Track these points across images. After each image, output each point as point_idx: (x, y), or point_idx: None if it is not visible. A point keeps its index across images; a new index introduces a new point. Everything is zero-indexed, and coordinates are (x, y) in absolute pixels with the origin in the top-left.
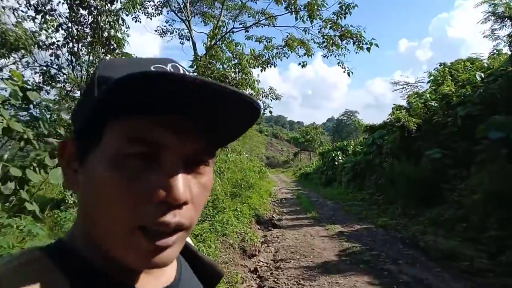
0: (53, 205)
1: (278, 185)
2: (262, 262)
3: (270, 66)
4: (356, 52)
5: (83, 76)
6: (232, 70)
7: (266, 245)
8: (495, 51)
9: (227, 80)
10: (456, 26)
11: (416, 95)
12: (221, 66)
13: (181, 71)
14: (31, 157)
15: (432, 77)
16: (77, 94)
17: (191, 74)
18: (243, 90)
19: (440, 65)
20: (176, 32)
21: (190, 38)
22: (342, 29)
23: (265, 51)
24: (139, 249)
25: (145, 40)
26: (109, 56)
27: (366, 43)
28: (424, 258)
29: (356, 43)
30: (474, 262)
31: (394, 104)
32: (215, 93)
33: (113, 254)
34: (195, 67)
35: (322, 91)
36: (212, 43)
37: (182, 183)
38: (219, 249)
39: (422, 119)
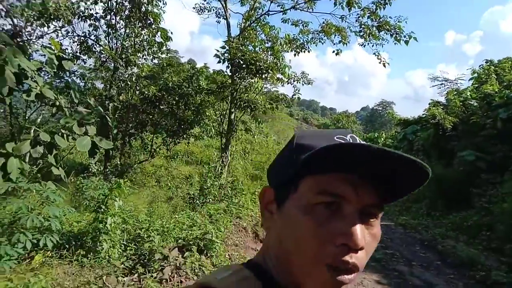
0: (78, 171)
1: None
2: None
3: (304, 51)
4: (394, 43)
5: (118, 48)
6: (264, 53)
7: None
8: None
9: (257, 63)
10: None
11: (455, 92)
12: (253, 49)
13: (358, 141)
14: (61, 124)
15: (475, 75)
16: (112, 65)
17: (367, 143)
18: (406, 155)
19: (486, 62)
20: (213, 10)
21: (225, 18)
22: (380, 19)
23: (300, 35)
24: (323, 280)
25: (183, 16)
26: (145, 30)
27: (405, 36)
28: (441, 263)
29: (394, 36)
30: (491, 273)
31: (431, 100)
32: (392, 159)
33: (299, 281)
34: (226, 48)
35: (359, 79)
36: (247, 24)
37: (360, 231)
38: (231, 231)
39: (459, 118)
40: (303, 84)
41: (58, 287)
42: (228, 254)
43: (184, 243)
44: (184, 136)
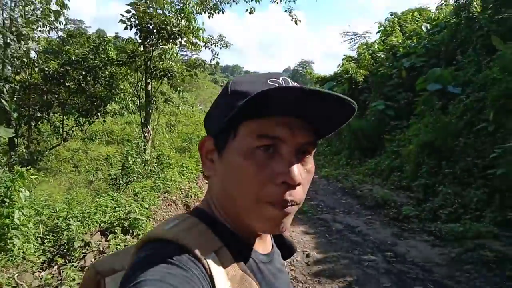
0: None
1: None
2: None
3: (218, 12)
4: None
5: (5, 20)
6: (175, 16)
7: None
8: (443, 1)
9: (168, 27)
10: None
11: (365, 46)
12: (162, 12)
13: (290, 83)
14: None
15: (381, 28)
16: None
17: (299, 85)
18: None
19: (391, 15)
20: None
21: None
22: None
23: None
24: (270, 217)
25: None
26: None
27: None
28: (359, 206)
29: None
30: (402, 209)
31: (344, 55)
32: (320, 98)
33: (246, 222)
34: (132, 12)
35: (278, 40)
36: None
37: (296, 168)
38: (160, 207)
39: (369, 71)
40: (220, 48)
41: None
42: None
43: (107, 226)
44: (98, 114)
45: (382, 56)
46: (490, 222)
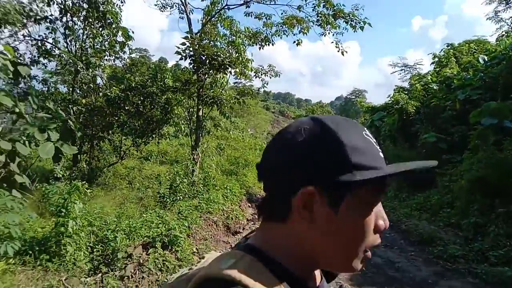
0: (47, 178)
1: None
2: None
3: (268, 44)
4: (354, 31)
5: (78, 50)
6: (226, 48)
7: (252, 222)
8: (503, 33)
9: (219, 58)
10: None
11: (417, 77)
12: (213, 44)
13: (372, 139)
14: (21, 131)
15: (436, 59)
16: (73, 68)
17: (414, 166)
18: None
19: (447, 46)
20: (176, 6)
21: (185, 13)
22: (335, 7)
23: (265, 28)
24: (363, 261)
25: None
26: (106, 30)
27: (359, 22)
28: (403, 241)
29: (349, 23)
30: (448, 247)
31: (395, 86)
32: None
33: (333, 267)
34: (187, 44)
35: (331, 69)
36: (208, 19)
37: None
38: (201, 226)
39: (421, 102)
40: (270, 77)
41: None
42: (196, 248)
43: (149, 240)
44: (153, 136)
45: (435, 87)
46: None
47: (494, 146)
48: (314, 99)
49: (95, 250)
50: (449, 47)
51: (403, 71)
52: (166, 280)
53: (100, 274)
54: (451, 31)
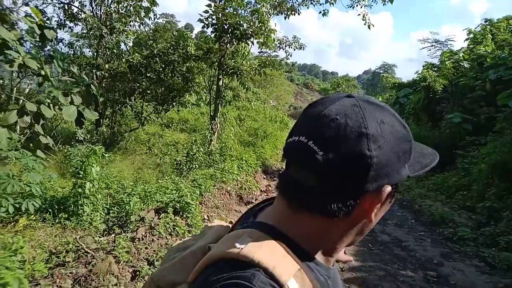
0: (67, 140)
1: None
2: None
3: (294, 14)
4: (383, 4)
5: (103, 15)
6: (250, 17)
7: (266, 193)
8: None
9: (241, 27)
10: None
11: (448, 54)
12: (240, 11)
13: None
14: (46, 94)
15: (471, 35)
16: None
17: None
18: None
19: (485, 21)
20: None
21: None
22: None
23: None
24: None
25: None
26: None
27: None
28: (414, 221)
29: None
30: (458, 229)
31: (425, 62)
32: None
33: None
34: (209, 12)
35: (362, 41)
36: None
37: None
38: (214, 195)
39: (450, 80)
40: (294, 49)
41: (38, 247)
42: (207, 215)
43: (162, 205)
44: (173, 104)
45: (466, 65)
46: None
47: None
48: (341, 72)
49: (111, 212)
50: (486, 23)
51: (433, 47)
52: (171, 247)
53: (113, 235)
54: (493, 5)
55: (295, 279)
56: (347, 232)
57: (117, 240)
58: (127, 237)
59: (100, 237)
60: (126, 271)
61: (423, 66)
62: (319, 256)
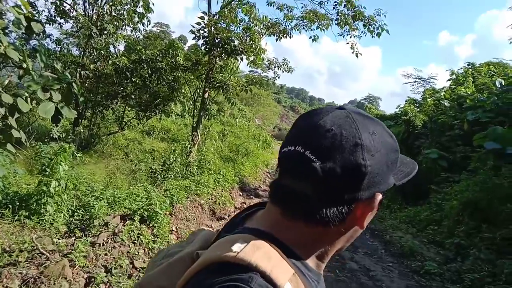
0: (43, 137)
1: None
2: None
3: (286, 37)
4: (372, 36)
5: (94, 15)
6: (242, 34)
7: (239, 211)
8: None
9: (232, 43)
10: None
11: (431, 91)
12: (228, 28)
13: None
14: (25, 88)
15: (453, 76)
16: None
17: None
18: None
19: (468, 65)
20: None
21: None
22: (355, 9)
23: (285, 20)
24: None
25: None
26: None
27: (377, 28)
28: (384, 251)
29: (367, 27)
30: (426, 264)
31: (408, 97)
32: None
33: (334, 252)
34: (202, 24)
35: (350, 71)
36: (227, 2)
37: None
38: (185, 206)
39: (430, 117)
40: (283, 71)
41: None
42: (176, 227)
43: (130, 212)
44: (156, 111)
45: (447, 104)
46: None
47: (493, 171)
48: (328, 99)
49: (75, 214)
50: (469, 66)
51: (416, 83)
52: (156, 254)
53: (73, 238)
54: (478, 51)
55: (290, 283)
56: (339, 238)
57: (76, 244)
58: (87, 241)
59: (59, 239)
60: (80, 276)
61: (405, 101)
62: (311, 262)
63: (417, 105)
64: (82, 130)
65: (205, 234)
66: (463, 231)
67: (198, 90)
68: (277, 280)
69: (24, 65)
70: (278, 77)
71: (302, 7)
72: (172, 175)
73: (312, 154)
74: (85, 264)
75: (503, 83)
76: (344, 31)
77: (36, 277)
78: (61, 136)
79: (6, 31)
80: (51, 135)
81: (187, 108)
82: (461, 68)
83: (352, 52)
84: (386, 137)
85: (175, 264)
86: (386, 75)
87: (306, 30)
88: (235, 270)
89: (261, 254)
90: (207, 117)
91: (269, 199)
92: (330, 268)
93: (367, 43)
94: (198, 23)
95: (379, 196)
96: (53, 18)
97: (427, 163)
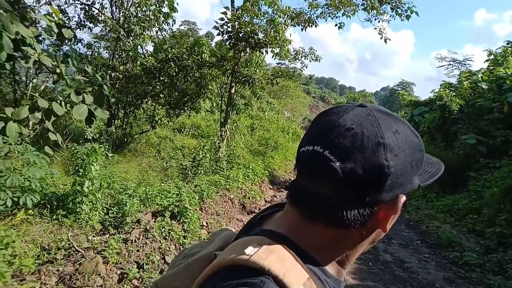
0: (80, 139)
1: None
2: None
3: (311, 26)
4: (401, 20)
5: (121, 18)
6: (265, 26)
7: (270, 204)
8: None
9: (256, 36)
10: None
11: (467, 74)
12: (251, 21)
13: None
14: (59, 92)
15: (491, 56)
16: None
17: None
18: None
19: (507, 43)
20: None
21: None
22: None
23: (309, 9)
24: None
25: None
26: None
27: (406, 10)
28: (420, 242)
29: (394, 9)
30: (465, 254)
31: (443, 81)
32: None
33: (354, 258)
34: (225, 19)
35: (381, 57)
36: None
37: None
38: (216, 201)
39: (467, 100)
40: (310, 61)
41: (30, 242)
42: (206, 222)
43: (161, 208)
44: (185, 108)
45: (485, 86)
46: None
47: None
48: (359, 87)
49: (110, 212)
50: (508, 45)
51: (451, 65)
52: (178, 253)
53: (108, 235)
54: None
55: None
56: (360, 242)
57: (109, 241)
58: (119, 238)
59: (94, 236)
60: (114, 273)
61: (440, 85)
62: (330, 267)
63: (452, 89)
64: (115, 130)
65: (226, 234)
66: (504, 220)
67: (225, 86)
68: (290, 285)
69: (58, 70)
70: (306, 67)
71: None
72: (202, 171)
73: (331, 154)
74: (118, 260)
75: None
76: (372, 16)
77: (72, 274)
78: (95, 137)
79: (40, 38)
80: (86, 136)
81: (215, 104)
82: (500, 48)
83: (381, 38)
84: (410, 136)
85: (193, 265)
86: (420, 59)
87: (332, 18)
88: (247, 273)
89: (275, 257)
90: (235, 112)
91: (287, 200)
92: (364, 261)
93: (397, 28)
94: (221, 19)
95: (403, 198)
96: (83, 23)
97: (465, 149)
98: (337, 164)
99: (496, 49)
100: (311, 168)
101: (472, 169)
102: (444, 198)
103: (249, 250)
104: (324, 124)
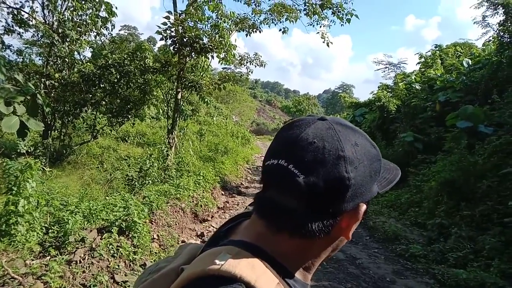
0: (12, 153)
1: (262, 152)
2: (213, 227)
3: (255, 31)
4: (341, 25)
5: (54, 22)
6: (210, 31)
7: (222, 211)
8: (490, 38)
9: (201, 41)
10: (466, 6)
11: (402, 76)
12: (195, 26)
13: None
14: None
15: (422, 59)
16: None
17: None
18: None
19: (435, 47)
20: None
21: None
22: None
23: (253, 14)
24: None
25: None
26: (88, 3)
27: (346, 14)
28: (369, 238)
29: (336, 14)
30: (410, 247)
31: (380, 83)
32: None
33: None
34: (168, 24)
35: (323, 62)
36: (193, 0)
37: None
38: (166, 212)
39: (402, 101)
40: (255, 66)
41: None
42: (157, 235)
43: (107, 224)
44: (129, 116)
45: (418, 87)
46: (498, 273)
47: (467, 149)
48: (303, 91)
49: (50, 231)
50: (436, 48)
51: (387, 68)
52: (144, 270)
53: (48, 258)
54: (444, 33)
55: None
56: (324, 249)
57: (50, 264)
58: (62, 259)
59: (32, 260)
60: None
61: (378, 87)
62: (297, 273)
63: (389, 90)
64: (52, 142)
65: (192, 248)
66: (443, 211)
67: (171, 92)
68: None
69: None
70: (251, 72)
71: (270, 0)
72: (150, 181)
73: (295, 168)
74: (62, 284)
75: (470, 63)
76: (314, 20)
77: None
78: (29, 150)
79: None
80: (19, 150)
81: (161, 111)
82: (429, 51)
83: (323, 41)
84: (368, 147)
85: (158, 281)
86: (358, 62)
87: (275, 24)
88: (220, 282)
89: (245, 264)
90: (182, 118)
91: (254, 212)
92: None
93: (336, 33)
94: (164, 23)
95: (364, 206)
96: (11, 28)
97: (403, 147)
98: (301, 177)
99: (426, 52)
100: (276, 182)
101: (411, 165)
102: (387, 193)
103: (220, 259)
104: (288, 138)
